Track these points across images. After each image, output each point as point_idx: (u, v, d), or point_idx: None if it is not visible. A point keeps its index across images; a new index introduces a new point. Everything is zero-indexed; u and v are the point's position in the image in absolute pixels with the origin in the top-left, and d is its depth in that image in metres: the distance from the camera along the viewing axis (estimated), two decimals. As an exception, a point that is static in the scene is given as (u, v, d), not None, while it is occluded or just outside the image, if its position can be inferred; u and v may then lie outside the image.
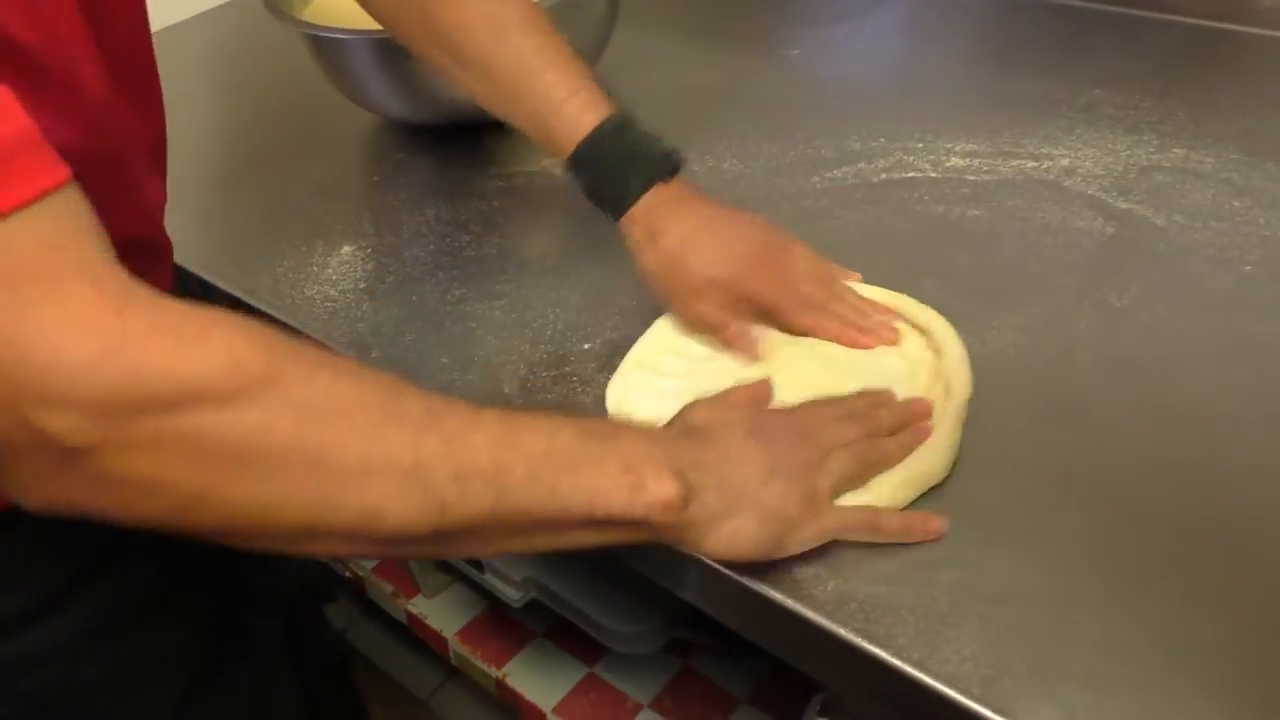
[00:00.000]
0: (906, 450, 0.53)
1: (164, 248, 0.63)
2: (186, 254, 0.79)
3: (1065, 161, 0.77)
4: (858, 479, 0.52)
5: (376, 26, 0.74)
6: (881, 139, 0.83)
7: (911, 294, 0.64)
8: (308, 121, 0.98)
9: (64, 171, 0.38)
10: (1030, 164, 0.78)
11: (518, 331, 0.68)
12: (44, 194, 0.37)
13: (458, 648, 1.15)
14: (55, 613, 0.54)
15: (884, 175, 0.79)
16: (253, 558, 0.45)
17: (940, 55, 0.98)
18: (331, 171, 0.91)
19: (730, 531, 0.49)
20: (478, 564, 1.01)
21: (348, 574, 1.26)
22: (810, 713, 0.71)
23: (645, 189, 0.62)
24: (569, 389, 0.63)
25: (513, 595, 0.99)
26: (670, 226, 0.62)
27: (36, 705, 0.55)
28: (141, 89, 0.56)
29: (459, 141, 0.90)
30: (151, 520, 0.41)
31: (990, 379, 0.59)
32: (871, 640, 0.47)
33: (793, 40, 1.03)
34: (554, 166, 0.86)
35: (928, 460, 0.53)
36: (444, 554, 0.45)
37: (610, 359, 0.64)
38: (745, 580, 0.51)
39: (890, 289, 0.64)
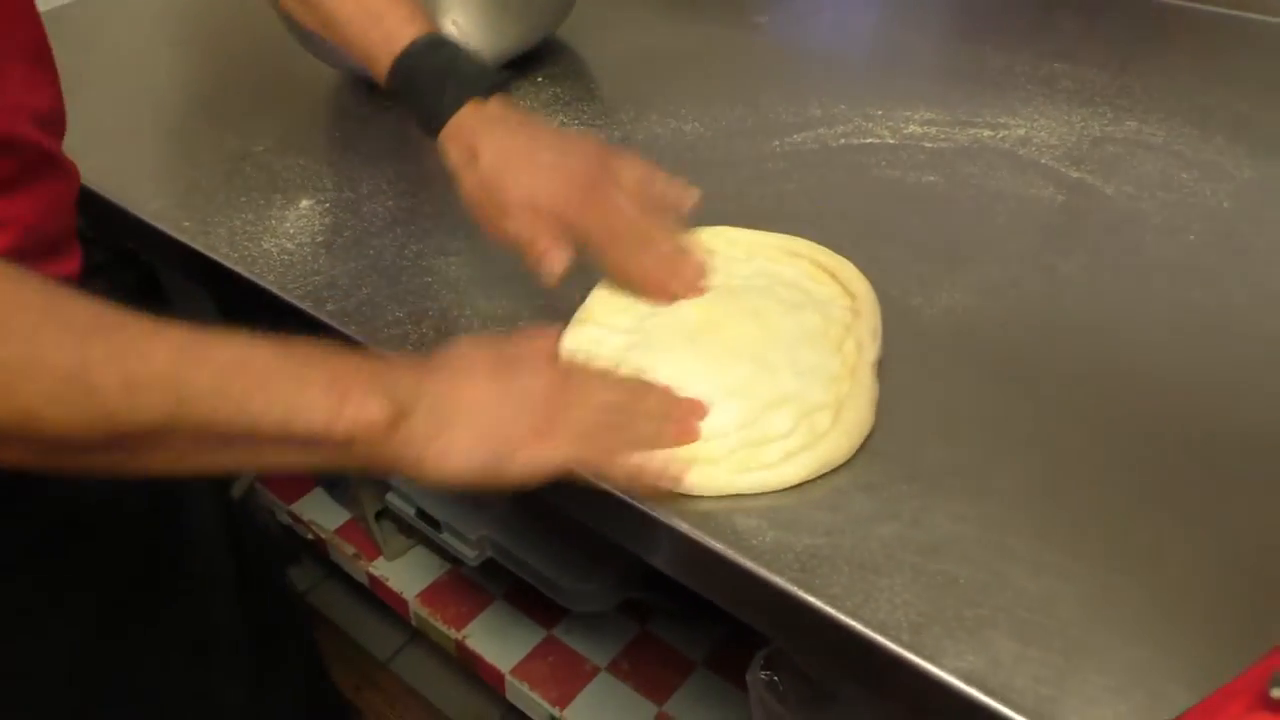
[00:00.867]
0: (662, 437, 0.52)
1: (53, 161, 0.60)
2: (144, 206, 0.79)
3: (1021, 131, 0.78)
4: (602, 441, 0.51)
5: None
6: (842, 106, 0.84)
7: (865, 255, 0.64)
8: (270, 75, 0.97)
9: None
10: (987, 133, 0.79)
11: (472, 287, 0.69)
12: None
13: (418, 609, 1.16)
14: None
15: (843, 140, 0.79)
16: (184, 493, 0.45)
17: (906, 27, 0.99)
18: (292, 126, 0.90)
19: (442, 451, 0.47)
20: (434, 522, 1.02)
21: (310, 536, 1.26)
22: (755, 666, 0.72)
23: (460, 104, 0.61)
24: (522, 344, 0.64)
25: (469, 554, 1.00)
26: (487, 146, 0.60)
27: None
28: None
29: (422, 100, 0.90)
30: None
31: (938, 338, 0.61)
32: (807, 589, 0.48)
33: (761, 7, 1.03)
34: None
35: (854, 409, 0.54)
36: (133, 466, 0.44)
37: (565, 315, 0.64)
38: (685, 529, 0.51)
39: (844, 251, 0.65)
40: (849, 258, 0.64)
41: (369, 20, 0.64)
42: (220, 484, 0.76)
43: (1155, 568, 0.48)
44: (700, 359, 0.57)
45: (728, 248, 0.66)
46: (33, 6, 0.58)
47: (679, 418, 0.54)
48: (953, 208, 0.72)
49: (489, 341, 0.53)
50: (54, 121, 0.60)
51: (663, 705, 1.03)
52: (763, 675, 0.72)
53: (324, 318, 0.67)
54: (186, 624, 0.65)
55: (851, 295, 0.61)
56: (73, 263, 0.60)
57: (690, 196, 0.63)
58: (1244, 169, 0.72)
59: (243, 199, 0.80)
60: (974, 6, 1.01)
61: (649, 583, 1.00)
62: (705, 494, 0.52)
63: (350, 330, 0.66)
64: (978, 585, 0.48)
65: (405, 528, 1.16)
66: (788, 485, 0.52)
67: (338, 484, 1.23)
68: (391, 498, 1.07)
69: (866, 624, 0.47)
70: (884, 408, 0.56)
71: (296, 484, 1.30)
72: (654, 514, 0.52)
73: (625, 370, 0.56)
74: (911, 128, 0.80)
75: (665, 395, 0.55)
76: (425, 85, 0.62)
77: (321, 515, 1.27)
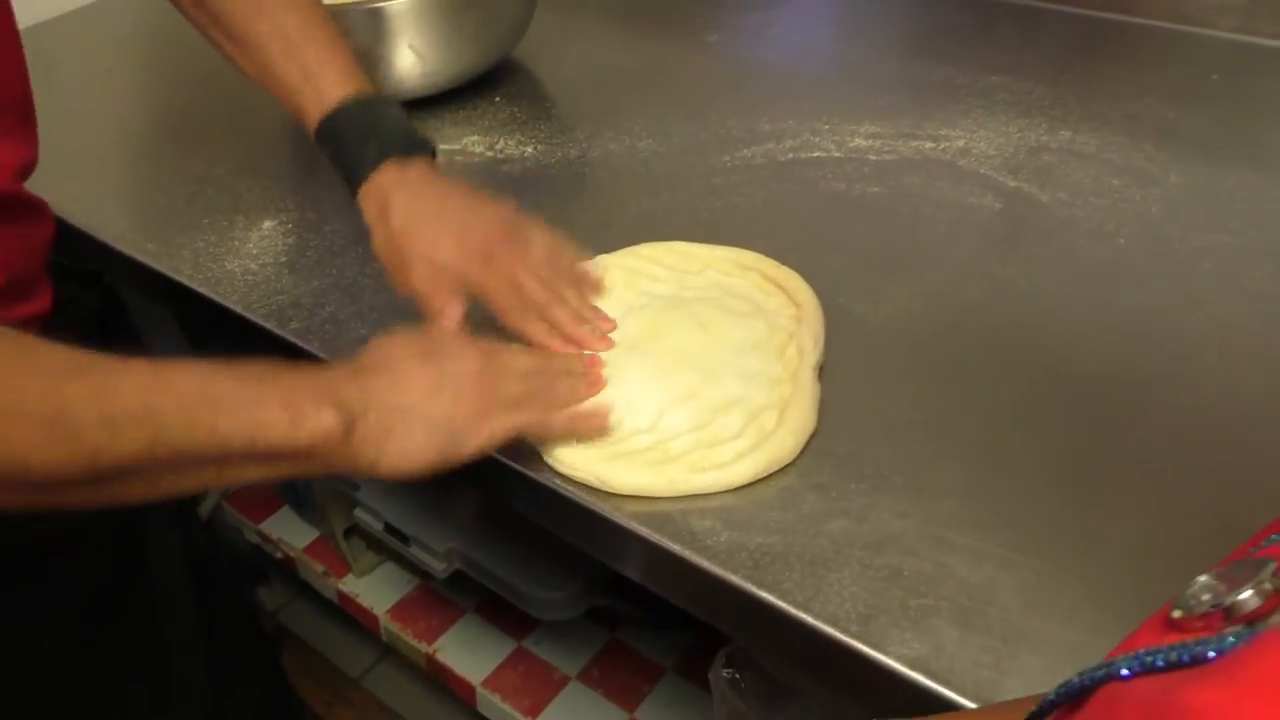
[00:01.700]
0: (578, 390, 0.58)
1: (29, 206, 0.62)
2: (107, 229, 0.80)
3: (961, 143, 0.81)
4: (534, 406, 0.55)
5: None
6: (791, 121, 0.86)
7: (812, 264, 0.67)
8: (232, 98, 0.99)
9: None
10: (929, 145, 0.82)
11: (434, 303, 0.70)
12: None
13: (389, 625, 1.16)
14: None
15: (791, 155, 0.82)
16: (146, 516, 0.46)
17: (852, 44, 1.02)
18: (254, 148, 0.91)
19: (400, 447, 0.51)
20: (402, 536, 1.03)
21: (279, 555, 1.26)
22: (717, 665, 0.74)
23: (379, 163, 0.64)
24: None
25: (437, 567, 1.01)
26: (398, 204, 0.63)
27: None
28: None
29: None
30: None
31: (883, 344, 0.63)
32: (760, 585, 0.51)
33: (712, 26, 1.05)
34: (473, 144, 0.88)
35: (797, 409, 0.57)
36: (111, 498, 0.46)
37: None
38: (644, 532, 0.54)
39: (793, 261, 0.67)
40: (797, 268, 0.67)
41: (302, 76, 0.66)
42: (183, 505, 0.77)
43: (1087, 558, 0.51)
44: (647, 368, 0.59)
45: (683, 262, 0.68)
46: (21, 62, 0.59)
47: (583, 371, 0.59)
48: (896, 218, 0.74)
49: (406, 335, 0.56)
50: (30, 167, 0.61)
51: (633, 712, 1.05)
52: (725, 673, 0.74)
53: (288, 336, 0.69)
54: (142, 650, 0.65)
55: (797, 304, 0.64)
56: (44, 301, 0.61)
57: (594, 275, 0.66)
58: (1171, 174, 0.76)
59: (205, 221, 0.81)
60: (918, 22, 1.04)
61: (614, 589, 1.01)
62: (661, 495, 0.55)
63: (313, 347, 0.67)
64: (921, 577, 0.50)
65: (374, 544, 1.17)
66: (739, 484, 0.55)
67: (305, 502, 1.23)
68: (359, 513, 1.08)
69: (817, 617, 0.49)
70: (831, 411, 0.59)
71: (264, 503, 1.30)
72: (613, 518, 0.54)
73: None
74: (857, 141, 0.83)
75: (569, 355, 0.60)
76: (350, 144, 0.65)
77: (290, 533, 1.27)
